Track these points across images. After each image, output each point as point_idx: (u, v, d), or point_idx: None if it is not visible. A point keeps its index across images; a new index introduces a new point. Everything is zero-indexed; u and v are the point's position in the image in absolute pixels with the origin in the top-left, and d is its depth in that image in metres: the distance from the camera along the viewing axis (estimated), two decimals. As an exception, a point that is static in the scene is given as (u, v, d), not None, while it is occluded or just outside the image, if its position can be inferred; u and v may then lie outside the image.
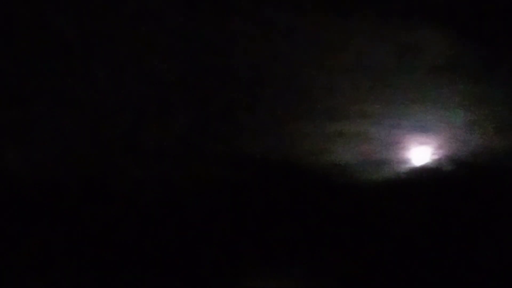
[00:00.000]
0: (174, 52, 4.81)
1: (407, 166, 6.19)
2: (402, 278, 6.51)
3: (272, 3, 4.40)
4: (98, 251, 6.40)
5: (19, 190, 6.17)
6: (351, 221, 6.51)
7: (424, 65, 4.94)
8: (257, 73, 5.00)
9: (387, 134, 5.75)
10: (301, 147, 5.85)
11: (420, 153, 6.04)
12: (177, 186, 6.37)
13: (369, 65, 4.92)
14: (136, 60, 4.88)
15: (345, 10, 4.34)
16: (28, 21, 4.41)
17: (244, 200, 6.42)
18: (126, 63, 4.90)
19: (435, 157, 6.07)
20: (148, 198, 6.39)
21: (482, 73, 5.03)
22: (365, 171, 6.19)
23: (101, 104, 5.34)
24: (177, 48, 4.77)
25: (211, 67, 4.99)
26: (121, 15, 4.41)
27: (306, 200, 6.42)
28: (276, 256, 6.56)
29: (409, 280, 6.52)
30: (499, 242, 6.48)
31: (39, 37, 4.54)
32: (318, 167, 6.05)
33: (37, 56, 4.75)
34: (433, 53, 4.80)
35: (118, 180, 6.20)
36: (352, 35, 4.60)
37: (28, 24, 4.43)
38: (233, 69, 5.00)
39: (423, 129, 5.68)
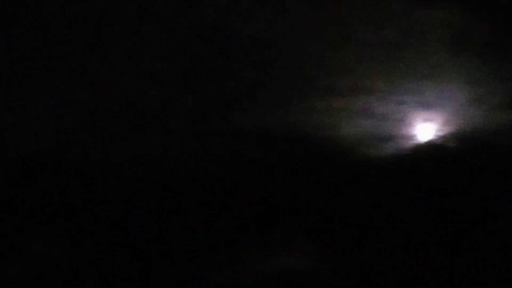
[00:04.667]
0: (174, 52, 4.81)
1: (412, 142, 6.19)
2: (405, 256, 6.49)
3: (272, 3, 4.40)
4: (99, 250, 6.41)
5: (19, 189, 6.17)
6: (356, 197, 6.50)
7: (431, 41, 4.95)
8: (273, 46, 4.98)
9: (392, 110, 5.76)
10: (307, 122, 5.85)
11: (425, 129, 6.05)
12: (177, 184, 6.37)
13: (376, 41, 4.93)
14: (136, 60, 4.88)
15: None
16: (28, 21, 4.41)
17: (244, 196, 6.42)
18: (126, 63, 4.90)
19: (440, 133, 6.08)
20: (148, 197, 6.40)
21: (489, 50, 5.04)
22: (370, 147, 6.19)
23: (101, 104, 5.34)
24: (177, 48, 4.77)
25: (211, 67, 4.99)
26: (121, 15, 4.41)
27: (310, 176, 6.41)
28: (289, 231, 6.55)
29: (413, 258, 6.50)
30: (503, 219, 6.46)
31: (39, 37, 4.54)
32: (323, 142, 6.06)
33: (37, 56, 4.75)
34: (441, 29, 4.81)
35: (118, 180, 6.21)
36: (361, 10, 4.60)
37: (28, 24, 4.43)
38: (233, 69, 5.01)
39: (428, 105, 5.70)
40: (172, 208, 6.38)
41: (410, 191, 6.46)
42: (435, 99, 5.61)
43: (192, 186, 6.28)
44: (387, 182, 6.42)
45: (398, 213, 6.49)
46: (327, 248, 6.48)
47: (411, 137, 6.13)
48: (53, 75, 4.99)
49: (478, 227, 6.46)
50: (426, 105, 5.71)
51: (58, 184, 6.14)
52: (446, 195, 6.45)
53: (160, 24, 4.55)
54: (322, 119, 5.82)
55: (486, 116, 5.80)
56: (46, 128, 5.58)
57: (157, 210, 6.36)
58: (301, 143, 6.07)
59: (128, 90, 5.21)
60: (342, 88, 5.47)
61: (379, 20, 4.68)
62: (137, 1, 4.38)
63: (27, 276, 6.11)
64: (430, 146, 6.20)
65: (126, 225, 6.30)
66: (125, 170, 6.11)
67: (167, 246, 6.35)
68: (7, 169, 5.93)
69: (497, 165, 6.29)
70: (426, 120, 5.93)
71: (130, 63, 4.92)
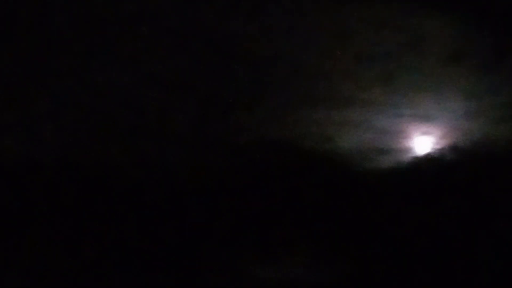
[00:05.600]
0: (174, 52, 4.81)
1: (410, 155, 6.20)
2: (404, 267, 6.51)
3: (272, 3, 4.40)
4: (99, 250, 6.41)
5: (19, 190, 6.17)
6: (354, 209, 6.51)
7: (431, 54, 4.94)
8: (270, 58, 4.98)
9: (390, 123, 5.77)
10: (304, 134, 5.86)
11: (423, 142, 6.06)
12: (177, 186, 6.37)
13: (373, 53, 4.92)
14: (136, 60, 4.87)
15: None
16: (28, 21, 4.40)
17: (243, 199, 6.43)
18: (126, 63, 4.90)
19: (438, 146, 6.09)
20: (148, 198, 6.40)
21: (488, 62, 5.04)
22: (367, 160, 6.20)
23: (101, 104, 5.34)
24: (177, 48, 4.76)
25: (211, 67, 4.99)
26: (121, 15, 4.41)
27: (306, 187, 6.42)
28: (286, 244, 6.57)
29: (412, 269, 6.52)
30: (501, 232, 6.48)
31: (39, 37, 4.54)
32: (320, 155, 6.06)
33: (37, 56, 4.74)
34: (441, 42, 4.81)
35: (118, 180, 6.21)
36: (359, 23, 4.60)
37: (28, 24, 4.43)
38: (233, 69, 5.00)
39: (426, 118, 5.71)
40: (171, 211, 6.38)
41: (408, 204, 6.48)
42: (433, 112, 5.61)
43: (188, 191, 6.29)
44: (384, 195, 6.44)
45: (396, 226, 6.51)
46: (323, 259, 6.50)
47: (409, 150, 6.14)
48: (52, 76, 4.99)
49: (477, 239, 6.48)
50: (424, 118, 5.70)
51: (58, 185, 6.14)
52: (444, 208, 6.47)
53: (160, 24, 4.55)
54: (319, 131, 5.83)
55: (484, 129, 5.80)
56: (46, 129, 5.58)
57: (156, 212, 6.37)
58: (297, 155, 6.08)
59: (128, 91, 5.21)
60: (339, 100, 5.47)
61: (377, 32, 4.67)
62: (137, 1, 4.37)
63: (27, 278, 6.11)
64: (428, 159, 6.21)
65: (124, 228, 6.30)
66: (124, 171, 6.11)
67: (166, 250, 6.36)
68: (6, 171, 5.93)
69: (495, 178, 6.30)
70: (424, 133, 5.93)
71: (130, 64, 4.91)
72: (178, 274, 6.39)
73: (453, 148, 6.09)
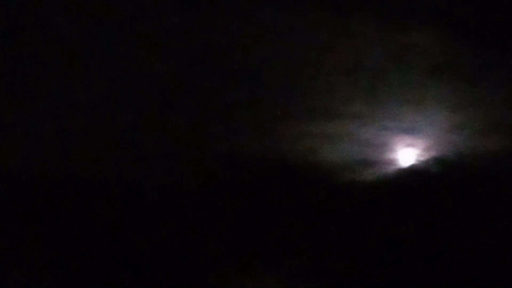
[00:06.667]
0: (174, 52, 4.81)
1: (394, 167, 6.22)
2: (390, 277, 6.53)
3: (272, 3, 4.40)
4: (98, 251, 6.41)
5: (19, 190, 6.17)
6: (339, 221, 6.53)
7: (413, 67, 4.95)
8: (257, 73, 5.01)
9: (375, 135, 5.78)
10: (289, 147, 5.87)
11: (407, 154, 6.08)
12: (177, 186, 6.37)
13: (358, 66, 4.93)
14: (136, 60, 4.88)
15: (344, 11, 4.34)
16: (28, 22, 4.41)
17: (241, 198, 6.44)
18: (126, 63, 4.90)
19: (422, 158, 6.11)
20: (148, 198, 6.40)
21: (473, 76, 5.05)
22: (352, 172, 6.21)
23: (101, 104, 5.35)
24: (177, 48, 4.77)
25: (211, 67, 5.00)
26: (121, 15, 4.41)
27: (291, 201, 6.44)
28: (273, 255, 6.59)
29: (397, 280, 6.54)
30: (486, 242, 6.50)
31: (39, 38, 4.55)
32: (305, 168, 6.07)
33: (37, 56, 4.75)
34: (425, 55, 4.81)
35: (118, 180, 6.21)
36: (344, 37, 4.60)
37: (28, 25, 4.43)
38: (233, 69, 5.01)
39: (410, 130, 5.73)
40: (171, 211, 6.39)
41: (392, 216, 6.49)
42: (417, 124, 5.64)
43: (187, 191, 6.30)
44: (369, 207, 6.45)
45: (380, 238, 6.53)
46: (306, 272, 6.52)
47: (393, 162, 6.16)
48: (52, 76, 5.00)
49: (461, 251, 6.49)
50: (408, 131, 5.73)
51: (57, 185, 6.15)
52: (428, 220, 6.48)
53: (160, 24, 4.56)
54: (304, 144, 5.84)
55: (468, 142, 5.82)
56: (46, 129, 5.59)
57: (155, 212, 6.38)
58: (282, 168, 6.08)
59: (128, 91, 5.22)
60: (324, 113, 5.47)
61: (361, 45, 4.67)
62: (137, 1, 4.38)
63: (27, 278, 6.12)
64: (412, 171, 6.23)
65: (124, 228, 6.31)
66: (124, 171, 6.12)
67: (166, 250, 6.37)
68: (6, 170, 5.93)
69: (478, 190, 6.32)
70: (408, 145, 5.95)
71: (130, 63, 4.92)
72: (178, 274, 6.40)
73: (438, 160, 6.11)
